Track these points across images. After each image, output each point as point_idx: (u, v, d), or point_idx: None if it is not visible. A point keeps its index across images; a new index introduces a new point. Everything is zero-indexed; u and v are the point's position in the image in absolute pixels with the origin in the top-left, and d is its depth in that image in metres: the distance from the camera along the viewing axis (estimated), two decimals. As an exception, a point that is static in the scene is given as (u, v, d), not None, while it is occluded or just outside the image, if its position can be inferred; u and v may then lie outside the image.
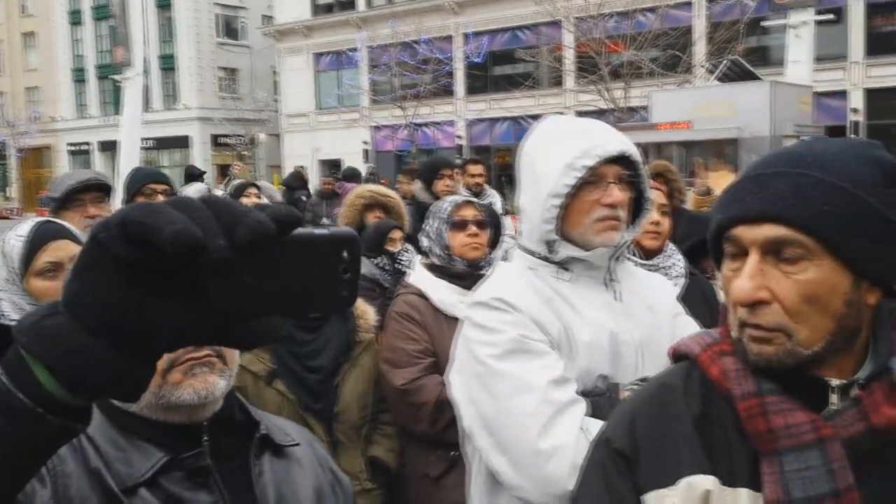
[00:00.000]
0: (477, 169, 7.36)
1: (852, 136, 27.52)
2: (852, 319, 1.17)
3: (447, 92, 34.03)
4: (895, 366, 1.18)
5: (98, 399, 0.71)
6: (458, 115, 35.35)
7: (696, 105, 18.12)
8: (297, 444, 1.60)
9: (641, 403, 1.33)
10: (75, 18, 49.03)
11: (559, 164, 1.94)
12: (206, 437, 1.45)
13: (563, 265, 2.02)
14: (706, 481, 1.19)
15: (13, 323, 0.71)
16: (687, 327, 2.12)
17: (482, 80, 35.17)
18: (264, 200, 6.53)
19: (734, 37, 23.61)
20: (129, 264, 0.66)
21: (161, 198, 4.36)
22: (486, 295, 2.00)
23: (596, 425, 1.78)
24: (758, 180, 1.17)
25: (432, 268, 3.28)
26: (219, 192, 11.66)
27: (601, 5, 23.89)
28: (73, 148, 49.42)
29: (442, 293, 3.19)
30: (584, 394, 1.89)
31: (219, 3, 45.60)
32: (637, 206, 2.11)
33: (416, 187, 6.42)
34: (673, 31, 25.05)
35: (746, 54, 23.20)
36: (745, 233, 1.17)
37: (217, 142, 43.10)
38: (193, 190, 6.68)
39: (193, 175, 11.15)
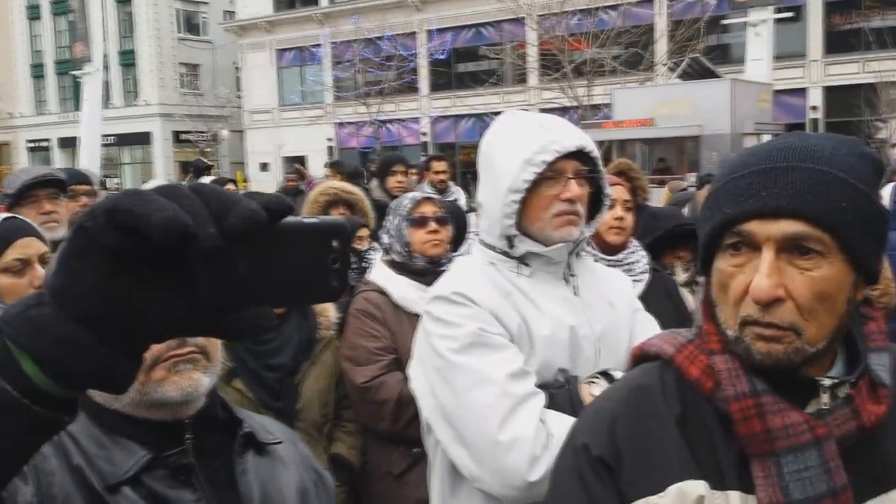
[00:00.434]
0: (441, 166, 7.36)
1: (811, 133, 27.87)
2: (848, 317, 1.17)
3: (411, 89, 34.00)
4: (873, 362, 1.19)
5: (85, 390, 0.69)
6: (423, 112, 35.33)
7: (657, 103, 18.31)
8: (280, 443, 1.59)
9: (619, 407, 1.26)
10: (33, 13, 48.20)
11: (518, 160, 1.96)
12: (189, 435, 1.44)
13: (523, 260, 2.04)
14: (698, 486, 1.15)
15: None
16: (646, 323, 2.16)
17: (446, 76, 35.18)
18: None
19: (695, 35, 23.85)
20: (117, 253, 0.65)
21: (85, 199, 4.30)
22: (446, 289, 2.02)
23: (554, 417, 1.83)
24: (769, 174, 1.13)
25: (393, 264, 3.27)
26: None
27: (564, 3, 23.99)
28: (32, 145, 48.57)
29: (402, 290, 3.18)
30: (543, 386, 1.91)
31: (179, -2, 45.17)
32: (597, 202, 2.13)
33: (372, 185, 6.39)
34: (635, 29, 25.21)
35: (707, 52, 23.48)
36: (760, 228, 1.12)
37: (179, 138, 42.60)
38: None
39: (200, 169, 10.92)
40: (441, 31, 33.89)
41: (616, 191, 3.05)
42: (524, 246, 2.01)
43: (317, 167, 30.41)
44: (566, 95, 24.17)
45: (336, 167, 10.25)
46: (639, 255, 3.54)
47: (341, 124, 35.35)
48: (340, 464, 3.20)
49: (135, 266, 0.65)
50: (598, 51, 23.88)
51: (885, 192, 6.57)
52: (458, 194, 7.37)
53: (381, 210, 4.12)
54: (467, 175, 30.27)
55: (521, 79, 31.91)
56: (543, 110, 27.17)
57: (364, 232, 4.39)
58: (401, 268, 3.24)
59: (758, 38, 20.34)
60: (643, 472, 1.18)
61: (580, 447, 1.25)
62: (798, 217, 1.11)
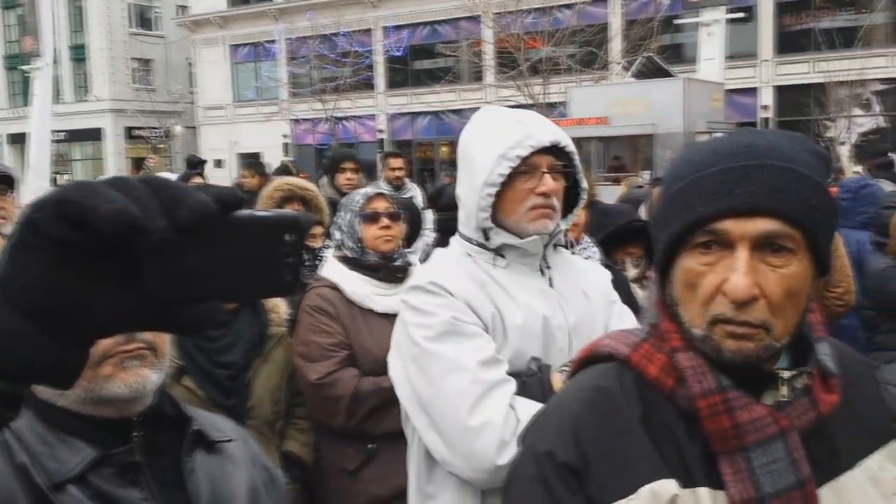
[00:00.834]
0: (397, 162, 7.33)
1: (762, 132, 28.34)
2: (804, 311, 1.18)
3: (368, 86, 33.89)
4: (822, 352, 1.20)
5: (30, 385, 0.68)
6: (379, 109, 35.24)
7: (612, 101, 18.45)
8: (230, 441, 1.57)
9: (581, 410, 1.23)
10: (-19, 6, 47.17)
11: (493, 155, 2.00)
12: (136, 433, 1.41)
13: (499, 252, 2.09)
14: (670, 485, 1.14)
15: None
16: (623, 314, 2.22)
17: (403, 74, 35.13)
18: None
19: (649, 34, 24.10)
20: (65, 245, 0.63)
21: None
22: (423, 279, 2.07)
23: (524, 403, 1.88)
24: (741, 171, 1.12)
25: (345, 260, 3.25)
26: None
27: (519, 1, 24.10)
28: (-20, 140, 47.54)
29: (355, 285, 3.17)
30: (516, 375, 1.96)
31: (131, -9, 44.46)
32: (573, 197, 2.17)
33: (322, 182, 6.35)
34: (590, 27, 25.41)
35: (661, 52, 23.71)
36: (735, 226, 1.11)
37: (131, 134, 41.94)
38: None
39: (194, 163, 10.68)
40: (397, 28, 33.83)
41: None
42: (499, 238, 2.06)
43: (273, 164, 30.19)
44: (522, 93, 24.28)
45: (254, 168, 10.15)
46: (591, 251, 3.58)
47: (297, 121, 35.14)
48: (293, 461, 3.18)
49: (82, 258, 0.64)
50: (553, 49, 24.02)
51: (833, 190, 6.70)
52: (414, 191, 7.36)
53: (331, 207, 4.11)
54: (424, 172, 30.32)
55: (478, 76, 31.97)
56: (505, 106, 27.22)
57: (318, 229, 4.37)
58: (353, 263, 3.22)
59: (710, 37, 20.61)
60: (612, 475, 1.16)
61: (543, 455, 1.21)
62: (773, 215, 1.11)
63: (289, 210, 0.88)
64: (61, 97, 40.20)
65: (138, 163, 34.27)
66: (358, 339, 3.10)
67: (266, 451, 3.06)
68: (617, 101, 18.32)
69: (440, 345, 1.95)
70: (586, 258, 3.25)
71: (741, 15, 23.09)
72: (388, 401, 3.00)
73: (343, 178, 6.11)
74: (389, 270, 3.20)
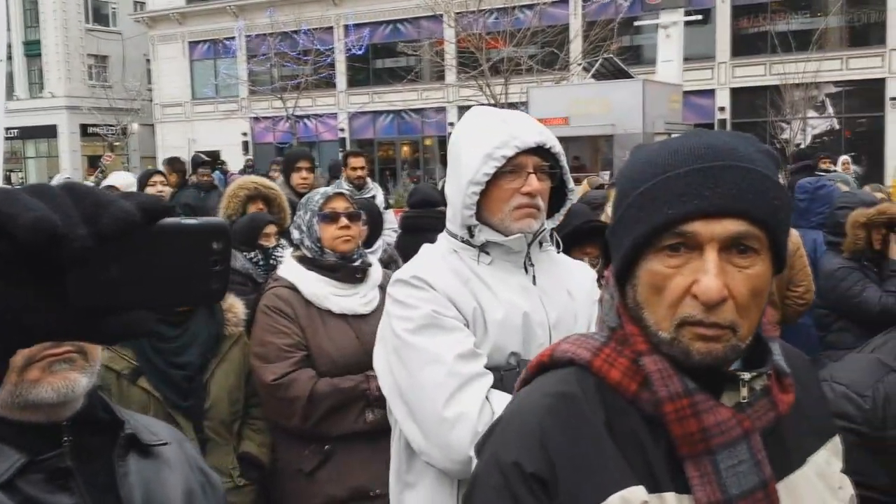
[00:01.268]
0: (358, 162, 7.26)
1: (719, 133, 28.73)
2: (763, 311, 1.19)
3: (328, 84, 33.72)
4: (776, 351, 1.21)
5: None
6: (340, 107, 35.09)
7: (572, 102, 18.53)
8: (165, 444, 1.55)
9: (546, 418, 1.20)
10: (-71, -1, 46.08)
11: (479, 154, 2.05)
12: (66, 437, 1.39)
13: (484, 249, 2.13)
14: (639, 492, 1.13)
15: None
16: None
17: (364, 72, 35.01)
18: (168, 188, 6.34)
19: (608, 36, 24.27)
20: None
21: None
22: (407, 273, 2.11)
23: (499, 396, 1.92)
24: (708, 173, 1.12)
25: (303, 260, 3.23)
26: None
27: (481, 1, 24.13)
28: (-72, 137, 46.46)
29: (313, 286, 3.15)
30: (495, 369, 2.00)
31: (88, -13, 43.77)
32: (561, 196, 2.21)
33: (279, 182, 6.30)
34: (550, 28, 25.52)
35: (620, 53, 23.93)
36: (705, 228, 1.11)
37: (86, 132, 41.23)
38: None
39: (198, 163, 10.46)
40: (358, 26, 33.70)
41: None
42: (484, 235, 2.10)
43: (231, 162, 29.92)
44: (483, 93, 24.32)
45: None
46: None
47: (257, 119, 34.86)
48: (250, 462, 3.16)
49: (3, 267, 0.63)
50: (514, 49, 24.10)
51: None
52: (375, 191, 7.33)
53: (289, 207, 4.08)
54: (385, 172, 30.26)
55: (439, 76, 31.98)
56: (461, 108, 27.24)
57: (271, 229, 4.34)
58: (311, 263, 3.21)
59: (668, 39, 20.82)
60: (581, 483, 1.15)
61: (510, 465, 1.18)
62: (741, 216, 1.11)
63: (215, 218, 0.86)
64: (14, 94, 39.47)
65: (94, 161, 33.71)
66: (315, 339, 3.09)
67: (223, 453, 3.07)
68: (577, 102, 18.42)
69: (420, 337, 2.00)
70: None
71: (698, 17, 23.35)
72: (345, 402, 3.01)
73: (298, 178, 6.07)
74: (348, 271, 3.19)
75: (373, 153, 32.37)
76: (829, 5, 27.77)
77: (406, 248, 5.65)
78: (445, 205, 2.24)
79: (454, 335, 2.00)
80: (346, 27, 33.90)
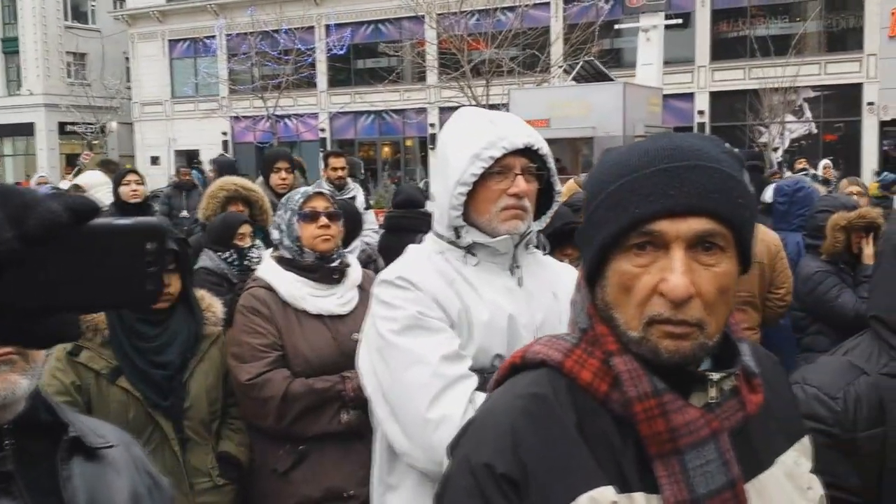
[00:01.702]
0: (339, 162, 7.24)
1: (698, 136, 28.93)
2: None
3: (309, 84, 33.62)
4: (744, 352, 1.23)
5: None
6: (321, 107, 35.01)
7: (553, 104, 18.57)
8: (111, 447, 1.52)
9: (518, 419, 1.20)
10: None
11: (467, 155, 2.04)
12: (7, 441, 1.35)
13: (470, 250, 2.12)
14: (608, 492, 1.14)
15: None
16: None
17: (345, 72, 34.95)
18: (143, 187, 6.28)
19: (589, 38, 24.35)
20: None
21: None
22: (392, 274, 2.11)
23: (483, 398, 1.86)
24: (674, 173, 1.13)
25: (281, 260, 3.24)
26: (66, 185, 11.06)
27: (462, 2, 24.14)
28: None
29: (291, 286, 3.15)
30: (479, 371, 1.99)
31: (66, -16, 43.39)
32: (548, 198, 2.21)
33: (258, 182, 6.27)
34: (531, 30, 25.59)
35: (601, 56, 24.00)
36: (671, 227, 1.13)
37: (64, 130, 40.86)
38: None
39: (224, 165, 10.15)
40: (339, 26, 33.64)
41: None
42: (470, 236, 2.10)
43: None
44: (465, 94, 24.34)
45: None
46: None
47: (237, 118, 34.68)
48: (228, 461, 3.16)
49: None
50: (495, 51, 24.12)
51: (769, 193, 6.87)
52: (356, 191, 7.31)
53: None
54: (366, 172, 30.18)
55: (421, 77, 31.96)
56: (442, 109, 27.26)
57: (246, 229, 4.33)
58: (289, 264, 3.21)
59: (648, 43, 20.94)
60: (551, 483, 1.15)
61: (481, 466, 1.18)
62: (706, 215, 1.13)
63: (150, 218, 0.83)
64: (-8, 90, 39.11)
65: (72, 159, 33.41)
66: (291, 340, 3.09)
67: (203, 452, 3.06)
68: (557, 104, 18.46)
69: (404, 338, 1.99)
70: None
71: (678, 21, 23.50)
72: (320, 403, 3.02)
73: (277, 178, 6.03)
74: (325, 272, 3.20)
75: (354, 153, 32.29)
76: (807, 11, 28.04)
77: (389, 247, 5.66)
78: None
79: (439, 336, 1.99)
80: (328, 27, 33.84)
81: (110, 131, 38.88)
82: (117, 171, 7.19)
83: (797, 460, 1.29)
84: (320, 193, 3.34)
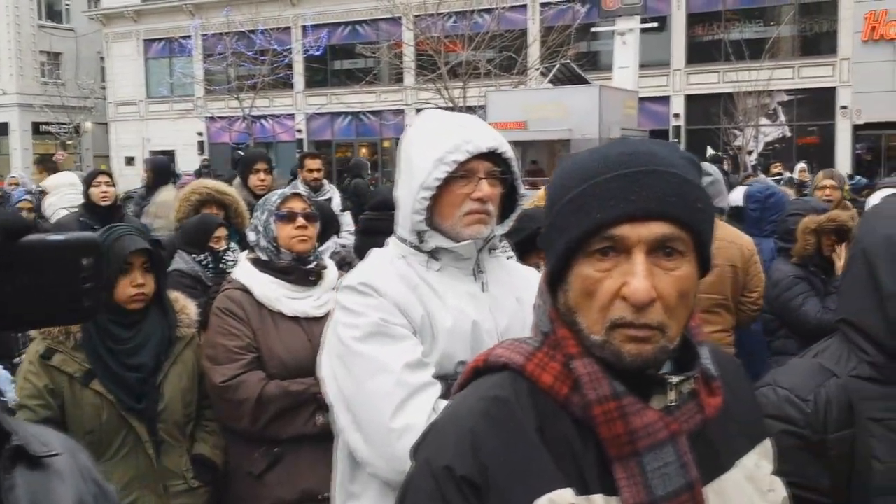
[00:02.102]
0: (315, 163, 7.22)
1: (674, 139, 29.19)
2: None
3: (286, 84, 33.51)
4: (703, 356, 1.24)
5: None
6: (298, 108, 34.90)
7: (530, 106, 18.62)
8: (56, 455, 1.50)
9: (479, 422, 1.20)
10: None
11: (431, 158, 2.01)
12: None
13: (433, 255, 2.10)
14: (566, 494, 1.14)
15: None
16: None
17: (322, 73, 34.88)
18: (114, 189, 6.19)
19: (566, 41, 24.46)
20: None
21: None
22: (354, 279, 2.07)
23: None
24: (634, 178, 1.15)
25: (257, 262, 3.23)
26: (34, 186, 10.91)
27: (439, 4, 24.17)
28: None
29: (266, 288, 3.15)
30: (443, 378, 1.97)
31: (40, -17, 42.96)
32: (511, 202, 2.19)
33: (235, 183, 6.23)
34: (508, 33, 25.66)
35: (577, 59, 24.09)
36: (632, 231, 1.14)
37: (38, 130, 40.46)
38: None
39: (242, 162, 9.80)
40: (316, 27, 33.56)
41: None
42: (433, 241, 2.07)
43: (186, 162, 29.55)
44: (442, 96, 24.36)
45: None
46: (508, 254, 3.62)
47: (212, 119, 34.50)
48: (203, 464, 3.14)
49: None
50: (473, 53, 24.16)
51: (737, 195, 6.94)
52: (332, 193, 7.30)
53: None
54: (343, 173, 30.10)
55: (398, 78, 31.94)
56: (419, 110, 27.29)
57: (222, 231, 4.31)
58: (265, 266, 3.20)
59: (624, 46, 21.05)
60: (511, 486, 1.15)
61: (442, 469, 1.19)
62: (667, 219, 1.14)
63: (86, 233, 0.81)
64: (-36, 90, 38.66)
65: (44, 159, 33.09)
66: (266, 342, 3.09)
67: (177, 455, 3.05)
68: (534, 107, 18.50)
69: (367, 345, 1.96)
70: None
71: (653, 25, 23.63)
72: (295, 405, 3.01)
73: (256, 180, 5.98)
74: (301, 273, 3.19)
75: (331, 155, 32.22)
76: (781, 15, 28.31)
77: (364, 249, 5.61)
78: None
79: (402, 344, 1.96)
80: (304, 28, 33.74)
81: (84, 131, 38.55)
82: (88, 172, 7.08)
83: (758, 462, 1.30)
84: (297, 195, 3.34)
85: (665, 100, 29.76)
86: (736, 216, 6.29)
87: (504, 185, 2.12)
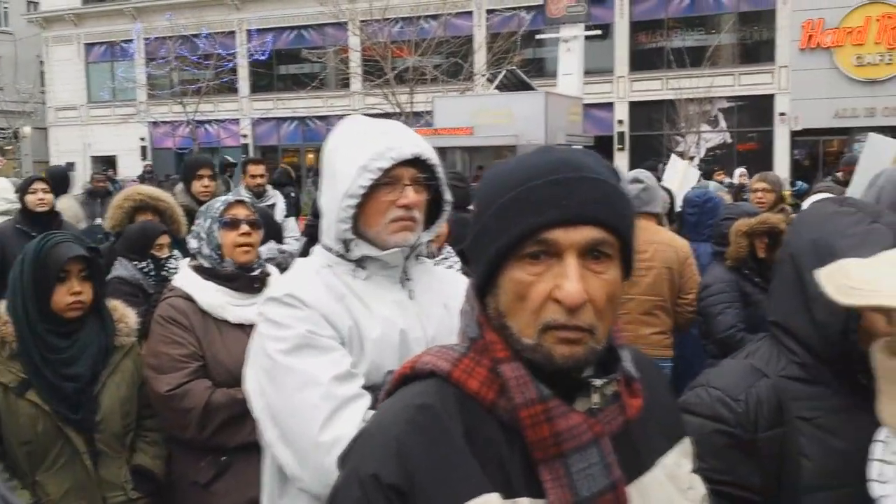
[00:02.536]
0: (257, 169, 7.16)
1: (619, 146, 29.58)
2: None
3: (231, 89, 33.18)
4: (625, 358, 1.26)
5: None
6: (243, 113, 34.57)
7: (476, 112, 18.72)
8: None
9: (405, 429, 1.21)
10: None
11: (355, 166, 1.98)
12: None
13: (360, 263, 2.07)
14: (492, 499, 1.15)
15: None
16: None
17: (268, 78, 34.61)
18: (51, 195, 6.05)
19: (512, 48, 24.64)
20: None
21: None
22: (279, 291, 2.03)
23: None
24: (566, 184, 1.17)
25: (200, 270, 3.19)
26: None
27: (385, 10, 24.16)
28: None
29: (210, 296, 3.11)
30: (372, 388, 1.93)
31: (-23, -16, 41.97)
32: (437, 208, 2.17)
33: (178, 189, 6.14)
34: (455, 39, 25.75)
35: (523, 65, 24.32)
36: (564, 235, 1.16)
37: (-25, 135, 39.51)
38: None
39: (224, 166, 9.47)
40: (261, 31, 33.29)
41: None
42: (360, 249, 2.04)
43: (129, 168, 29.08)
44: (389, 102, 24.34)
45: None
46: (452, 261, 3.64)
47: (155, 123, 34.00)
48: (144, 475, 3.10)
49: None
50: (419, 59, 24.20)
51: (681, 200, 7.05)
52: (276, 199, 7.25)
53: (188, 215, 4.01)
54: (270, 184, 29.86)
55: (345, 83, 31.85)
56: (367, 115, 27.21)
57: (164, 239, 4.25)
58: (208, 273, 3.17)
59: (569, 53, 21.30)
60: (437, 493, 1.16)
61: (368, 478, 1.18)
62: (597, 224, 1.17)
63: None
64: None
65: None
66: (211, 350, 3.05)
67: (116, 466, 3.00)
68: (481, 113, 18.61)
69: (294, 358, 1.92)
70: (448, 268, 3.31)
71: (597, 32, 23.93)
72: (242, 413, 2.96)
73: (200, 186, 5.91)
74: (245, 281, 3.17)
75: (277, 160, 31.98)
76: (721, 23, 28.89)
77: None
78: None
79: (330, 356, 1.93)
80: (249, 32, 33.45)
81: (24, 136, 37.68)
82: (24, 179, 6.93)
83: (678, 461, 1.34)
84: (241, 201, 3.31)
85: (609, 106, 30.15)
86: (680, 221, 6.41)
87: (429, 192, 2.11)
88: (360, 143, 2.03)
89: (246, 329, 3.10)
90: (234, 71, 32.18)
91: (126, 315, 3.16)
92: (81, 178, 30.94)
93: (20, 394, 2.85)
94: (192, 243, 3.25)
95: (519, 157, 1.27)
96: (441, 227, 2.22)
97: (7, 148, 36.18)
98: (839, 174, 9.89)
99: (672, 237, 5.15)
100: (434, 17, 26.10)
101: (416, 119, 23.93)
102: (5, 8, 42.75)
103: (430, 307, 2.10)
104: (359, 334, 1.99)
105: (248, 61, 32.78)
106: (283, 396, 1.92)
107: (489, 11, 30.23)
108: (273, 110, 34.06)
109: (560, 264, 1.17)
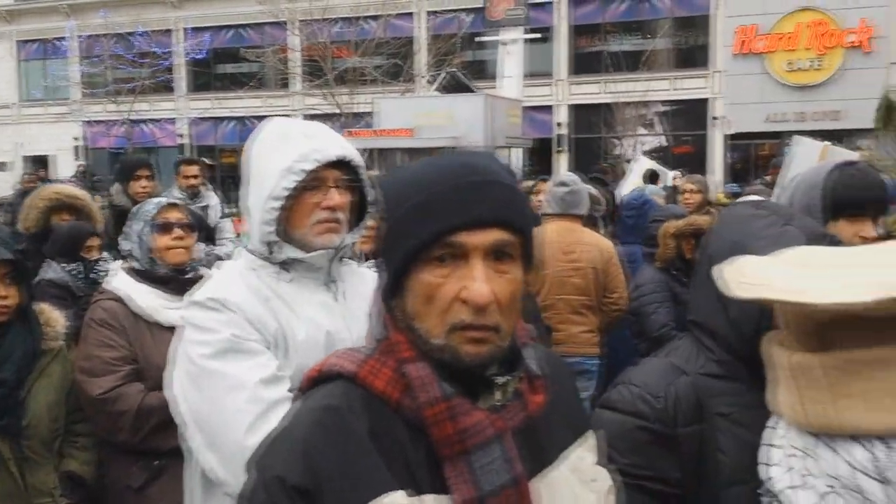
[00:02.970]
0: (191, 170, 7.00)
1: (559, 149, 29.88)
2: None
3: (168, 88, 32.66)
4: (528, 356, 1.30)
5: None
6: (180, 112, 34.05)
7: (418, 113, 18.76)
8: None
9: (311, 431, 1.22)
10: None
11: (279, 168, 1.98)
12: None
13: (284, 266, 2.06)
14: (398, 497, 1.17)
15: None
16: None
17: (206, 77, 34.16)
18: None
19: (452, 50, 24.73)
20: None
21: None
22: (203, 295, 2.01)
23: None
24: (472, 189, 1.20)
25: (133, 272, 3.15)
26: None
27: (326, 10, 24.04)
28: None
29: (143, 298, 3.07)
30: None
31: None
32: (362, 210, 2.18)
33: (114, 190, 6.03)
34: (395, 40, 25.74)
35: (464, 67, 24.41)
36: (470, 238, 1.19)
37: None
38: None
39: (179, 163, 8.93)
40: (199, 30, 32.84)
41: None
42: (284, 252, 2.04)
43: (64, 167, 28.43)
44: (329, 102, 24.23)
45: None
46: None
47: (90, 123, 33.29)
48: (73, 480, 3.06)
49: None
50: (360, 59, 24.14)
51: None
52: (211, 200, 7.12)
53: (124, 216, 3.93)
54: (228, 179, 29.55)
55: (285, 83, 31.58)
56: (308, 116, 27.11)
57: (95, 241, 4.16)
58: (142, 275, 3.14)
59: (509, 56, 21.46)
60: (343, 493, 1.17)
61: (273, 480, 1.19)
62: (501, 226, 1.20)
63: None
64: None
65: None
66: (144, 352, 3.02)
67: (44, 472, 2.95)
68: (423, 114, 18.66)
69: (219, 362, 1.91)
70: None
71: (537, 35, 24.16)
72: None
73: (138, 186, 5.80)
74: (179, 283, 3.13)
75: (215, 160, 31.54)
76: (657, 28, 29.38)
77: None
78: None
79: (256, 359, 1.92)
80: (186, 30, 32.97)
81: (-49, 135, 36.57)
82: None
83: (581, 455, 1.38)
84: (174, 204, 3.27)
85: (549, 109, 30.42)
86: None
87: (354, 194, 2.12)
88: (284, 146, 2.03)
89: (179, 331, 3.08)
90: (170, 70, 31.69)
91: (54, 318, 3.10)
92: (12, 178, 30.17)
93: (-58, 400, 2.79)
94: (124, 245, 3.21)
95: (425, 162, 1.30)
96: (364, 229, 2.22)
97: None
98: (768, 177, 10.16)
99: (597, 238, 5.27)
100: (375, 17, 26.07)
101: (356, 120, 23.86)
102: (-68, 3, 41.43)
103: (357, 308, 2.10)
104: (284, 337, 1.99)
105: (186, 60, 32.30)
106: (209, 401, 1.91)
107: (430, 13, 30.27)
108: (211, 110, 33.63)
109: (466, 266, 1.20)
